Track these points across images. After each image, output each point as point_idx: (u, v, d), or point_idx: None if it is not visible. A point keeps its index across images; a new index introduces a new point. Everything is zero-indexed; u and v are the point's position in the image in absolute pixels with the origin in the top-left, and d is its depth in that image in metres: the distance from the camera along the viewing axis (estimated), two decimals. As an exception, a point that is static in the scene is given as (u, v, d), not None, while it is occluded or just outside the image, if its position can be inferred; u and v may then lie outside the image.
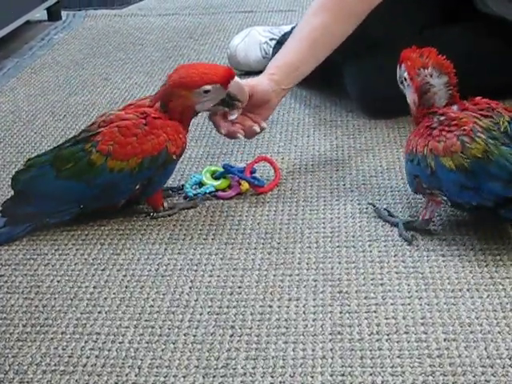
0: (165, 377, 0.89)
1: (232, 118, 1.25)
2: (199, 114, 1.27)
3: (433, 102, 1.15)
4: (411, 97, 1.18)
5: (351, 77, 1.63)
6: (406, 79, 1.17)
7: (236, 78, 1.21)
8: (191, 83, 1.18)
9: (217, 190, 1.30)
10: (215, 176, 1.32)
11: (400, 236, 1.15)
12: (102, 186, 1.18)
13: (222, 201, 1.29)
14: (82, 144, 1.18)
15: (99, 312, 1.01)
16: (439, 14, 1.62)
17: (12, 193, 1.24)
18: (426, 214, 1.15)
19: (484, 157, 1.05)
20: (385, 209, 1.22)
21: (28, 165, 1.22)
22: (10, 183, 1.30)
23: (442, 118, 1.12)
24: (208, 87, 1.18)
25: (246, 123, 1.28)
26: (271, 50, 1.86)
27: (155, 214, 1.24)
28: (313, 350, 0.92)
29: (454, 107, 1.14)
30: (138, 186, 1.20)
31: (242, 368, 0.89)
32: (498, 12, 1.54)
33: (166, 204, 1.25)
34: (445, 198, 1.11)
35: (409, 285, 1.03)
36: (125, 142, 1.17)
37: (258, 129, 1.29)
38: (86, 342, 0.95)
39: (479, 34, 1.55)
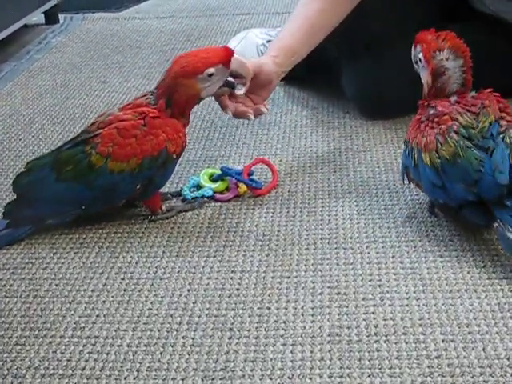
0: (163, 380, 0.89)
1: (240, 92, 1.26)
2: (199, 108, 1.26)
3: (446, 86, 1.16)
4: (425, 78, 1.18)
5: (349, 77, 1.63)
6: (420, 60, 1.18)
7: (235, 55, 1.21)
8: (194, 69, 1.17)
9: (215, 193, 1.30)
10: (213, 178, 1.32)
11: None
12: (103, 187, 1.18)
13: (219, 203, 1.29)
14: (81, 146, 1.18)
15: (98, 315, 1.01)
16: (437, 12, 1.62)
17: (11, 196, 1.24)
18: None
19: (451, 159, 1.08)
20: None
21: (28, 168, 1.22)
22: (8, 187, 1.30)
23: (432, 111, 1.14)
24: (211, 70, 1.17)
25: (248, 104, 1.30)
26: (268, 51, 1.86)
27: (153, 217, 1.24)
28: (311, 352, 0.92)
29: (453, 98, 1.15)
30: (138, 186, 1.20)
31: (240, 370, 0.90)
32: (496, 11, 1.54)
33: (164, 207, 1.25)
34: None
35: (407, 286, 1.03)
36: (124, 143, 1.17)
37: (264, 109, 1.31)
38: (84, 345, 0.96)
39: (478, 34, 1.55)
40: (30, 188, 1.20)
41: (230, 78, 1.22)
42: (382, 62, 1.56)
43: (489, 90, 1.15)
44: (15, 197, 1.23)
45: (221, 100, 1.27)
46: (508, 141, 1.08)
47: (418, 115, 1.18)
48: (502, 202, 1.05)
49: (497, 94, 1.15)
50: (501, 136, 1.08)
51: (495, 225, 1.07)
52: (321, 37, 1.41)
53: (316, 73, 1.73)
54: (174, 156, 1.20)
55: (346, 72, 1.63)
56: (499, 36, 1.54)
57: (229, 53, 1.19)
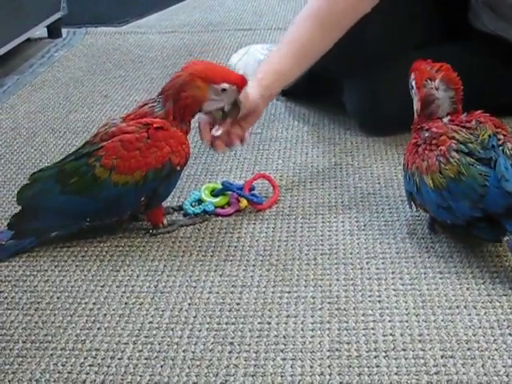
0: (164, 393, 0.89)
1: (216, 133, 1.27)
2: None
3: (434, 114, 1.18)
4: (416, 105, 1.21)
5: (349, 94, 1.64)
6: (413, 87, 1.21)
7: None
8: (213, 77, 1.18)
9: (216, 207, 1.31)
10: (214, 193, 1.33)
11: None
12: (107, 199, 1.18)
13: (220, 218, 1.30)
14: (85, 158, 1.18)
15: (98, 328, 1.02)
16: (437, 29, 1.63)
17: (14, 208, 1.25)
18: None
19: (456, 177, 1.09)
20: None
21: (32, 179, 1.22)
22: (10, 199, 1.31)
23: (427, 134, 1.16)
24: (226, 86, 1.19)
25: (234, 130, 1.30)
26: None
27: (155, 231, 1.25)
28: (311, 367, 0.92)
29: (445, 119, 1.17)
30: (143, 198, 1.21)
31: (240, 384, 0.90)
32: (495, 29, 1.54)
33: (165, 221, 1.25)
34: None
35: (406, 302, 1.04)
36: (128, 156, 1.17)
37: (238, 144, 1.31)
38: (85, 358, 0.96)
39: (477, 54, 1.56)
40: (35, 200, 1.21)
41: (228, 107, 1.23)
42: (383, 79, 1.57)
43: (479, 111, 1.16)
44: (20, 209, 1.23)
45: (202, 126, 1.28)
46: (508, 153, 1.09)
47: (412, 139, 1.20)
48: (511, 213, 1.06)
49: (487, 114, 1.16)
50: (500, 148, 1.10)
51: (505, 238, 1.08)
52: (312, 59, 1.42)
53: (317, 89, 1.74)
54: (178, 168, 1.20)
55: (346, 89, 1.64)
56: (498, 56, 1.55)
57: (245, 81, 1.21)
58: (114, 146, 1.17)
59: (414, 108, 1.22)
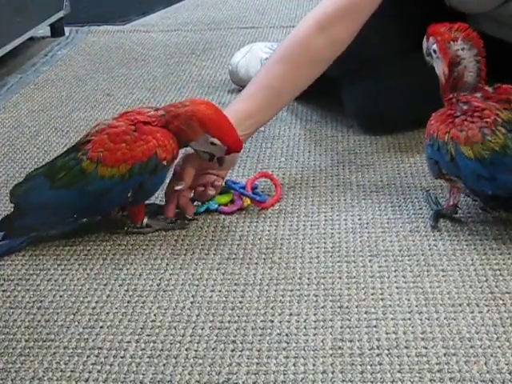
0: (166, 391, 0.89)
1: (177, 188, 1.26)
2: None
3: (462, 75, 1.17)
4: (441, 69, 1.19)
5: (348, 95, 1.64)
6: (435, 52, 1.19)
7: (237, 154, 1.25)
8: (210, 128, 1.18)
9: (219, 205, 1.31)
10: (217, 192, 1.33)
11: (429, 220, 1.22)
12: (95, 193, 1.18)
13: (223, 216, 1.30)
14: (73, 153, 1.20)
15: (101, 327, 1.02)
16: None
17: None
18: (451, 201, 1.21)
19: (501, 151, 1.09)
20: (435, 196, 1.26)
21: (25, 179, 1.24)
22: (12, 198, 1.30)
23: (465, 106, 1.15)
24: (217, 142, 1.19)
25: (206, 179, 1.30)
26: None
27: (129, 229, 1.24)
28: (313, 365, 0.92)
29: (478, 94, 1.16)
30: (130, 194, 1.20)
31: (243, 383, 0.90)
32: (498, 37, 1.54)
33: (146, 221, 1.25)
34: (463, 185, 1.16)
35: (409, 300, 1.04)
36: (114, 149, 1.18)
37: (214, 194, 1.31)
38: (88, 356, 0.96)
39: None
40: (25, 196, 1.22)
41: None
42: (381, 80, 1.57)
43: (506, 85, 1.17)
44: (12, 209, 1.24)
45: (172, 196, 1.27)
46: None
47: (448, 110, 1.18)
48: None
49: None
50: None
51: None
52: (285, 101, 1.41)
53: (319, 87, 1.74)
54: (165, 163, 1.20)
55: (345, 90, 1.64)
56: (499, 55, 1.54)
57: (239, 147, 1.22)
58: (101, 139, 1.19)
59: (439, 72, 1.20)
